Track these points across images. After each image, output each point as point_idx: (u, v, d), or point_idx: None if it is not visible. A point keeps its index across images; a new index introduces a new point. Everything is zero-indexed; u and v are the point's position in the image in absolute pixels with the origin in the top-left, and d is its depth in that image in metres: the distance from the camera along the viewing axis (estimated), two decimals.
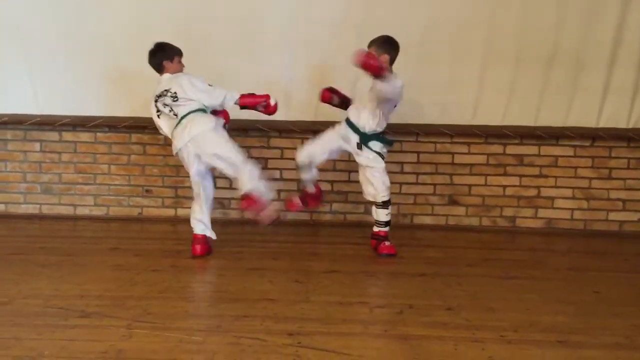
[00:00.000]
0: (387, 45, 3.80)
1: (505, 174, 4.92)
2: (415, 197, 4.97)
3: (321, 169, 4.89)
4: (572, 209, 4.94)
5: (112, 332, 2.59)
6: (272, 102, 3.90)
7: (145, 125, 4.84)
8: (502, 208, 4.96)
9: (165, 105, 3.82)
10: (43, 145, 4.96)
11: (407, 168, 4.94)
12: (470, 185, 4.94)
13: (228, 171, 3.80)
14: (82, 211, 5.04)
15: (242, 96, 3.87)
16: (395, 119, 4.77)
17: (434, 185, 4.95)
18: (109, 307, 2.89)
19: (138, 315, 2.79)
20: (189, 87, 3.76)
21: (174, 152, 3.85)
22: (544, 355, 2.49)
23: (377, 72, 3.55)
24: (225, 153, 3.73)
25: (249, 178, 3.72)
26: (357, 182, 4.88)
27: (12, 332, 2.61)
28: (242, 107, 3.90)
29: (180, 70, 3.93)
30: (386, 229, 4.05)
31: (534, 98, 4.76)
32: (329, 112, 4.79)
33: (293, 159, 4.87)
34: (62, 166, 4.99)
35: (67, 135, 4.95)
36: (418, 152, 4.92)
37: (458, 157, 4.92)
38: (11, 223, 4.46)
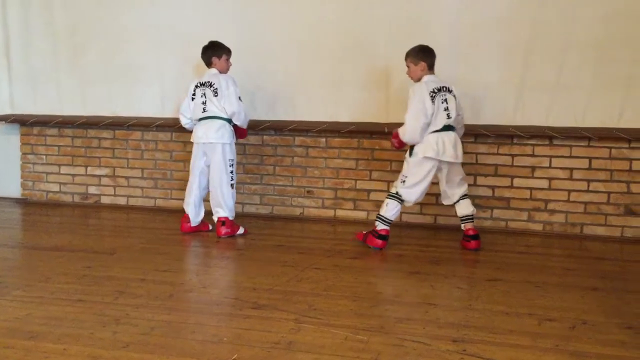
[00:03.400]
0: (422, 53, 4.03)
1: None
2: (586, 205, 4.64)
3: (481, 174, 4.78)
4: None
5: (282, 325, 2.74)
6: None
7: (307, 129, 5.06)
8: None
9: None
10: None
11: (576, 174, 4.63)
12: None
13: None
14: (249, 209, 5.37)
15: None
16: (564, 122, 4.55)
17: (608, 193, 4.58)
18: (278, 301, 3.06)
19: (305, 310, 2.92)
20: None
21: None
22: None
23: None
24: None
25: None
26: (520, 187, 4.73)
27: (195, 318, 2.87)
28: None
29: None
30: None
31: None
32: (527, 115, 4.62)
33: (488, 164, 4.78)
34: None
35: None
36: (590, 158, 4.59)
37: (637, 164, 4.51)
38: None
